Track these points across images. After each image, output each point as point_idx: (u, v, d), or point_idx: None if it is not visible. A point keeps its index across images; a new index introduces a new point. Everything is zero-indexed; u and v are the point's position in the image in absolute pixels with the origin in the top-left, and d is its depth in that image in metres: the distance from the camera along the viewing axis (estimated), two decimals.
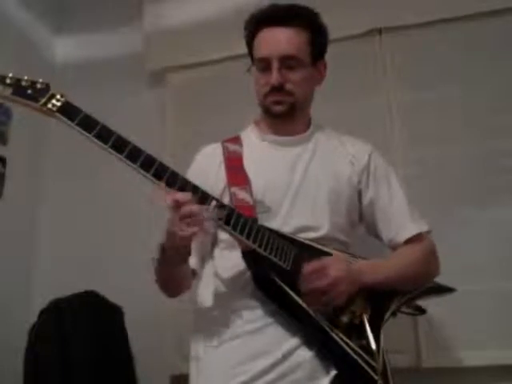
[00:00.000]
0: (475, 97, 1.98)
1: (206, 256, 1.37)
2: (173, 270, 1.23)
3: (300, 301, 1.17)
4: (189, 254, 1.17)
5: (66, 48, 2.60)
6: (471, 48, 2.02)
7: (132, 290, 2.02)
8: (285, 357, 1.18)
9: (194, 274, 1.33)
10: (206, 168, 1.36)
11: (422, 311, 1.40)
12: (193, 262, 1.30)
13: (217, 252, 1.36)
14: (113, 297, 1.95)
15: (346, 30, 2.07)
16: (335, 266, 1.19)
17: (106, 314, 1.91)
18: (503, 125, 1.93)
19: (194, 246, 1.29)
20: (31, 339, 1.73)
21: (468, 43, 2.02)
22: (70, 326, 1.76)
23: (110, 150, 1.11)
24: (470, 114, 1.97)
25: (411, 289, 1.33)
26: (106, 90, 2.24)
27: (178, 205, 1.07)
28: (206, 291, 1.32)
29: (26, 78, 1.13)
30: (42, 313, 1.79)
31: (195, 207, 1.07)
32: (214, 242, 1.37)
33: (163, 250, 1.16)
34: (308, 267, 1.18)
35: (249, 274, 1.22)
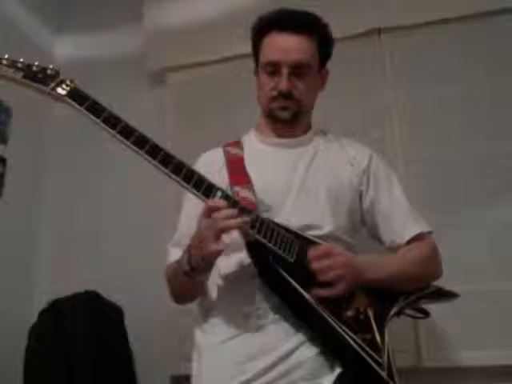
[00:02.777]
0: (475, 97, 1.98)
1: None
2: (194, 282, 1.25)
3: (304, 292, 1.17)
4: (213, 265, 1.19)
5: (65, 48, 2.61)
6: (471, 48, 2.02)
7: (132, 290, 2.03)
8: (287, 355, 1.18)
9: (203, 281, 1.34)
10: (208, 171, 1.35)
11: (425, 314, 1.39)
12: None
13: None
14: (113, 297, 1.95)
15: (345, 30, 2.07)
16: (338, 250, 1.21)
17: (106, 314, 1.91)
18: (503, 125, 1.93)
19: None
20: (31, 339, 1.73)
21: (468, 43, 2.02)
22: (70, 326, 1.76)
23: (117, 135, 1.12)
24: (469, 114, 1.97)
25: (414, 288, 1.33)
26: (106, 89, 2.21)
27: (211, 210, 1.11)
28: (208, 289, 1.33)
29: (36, 63, 1.15)
30: (42, 313, 1.79)
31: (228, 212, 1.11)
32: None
33: (189, 262, 1.18)
34: (312, 252, 1.19)
35: (252, 270, 1.22)
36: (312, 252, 1.19)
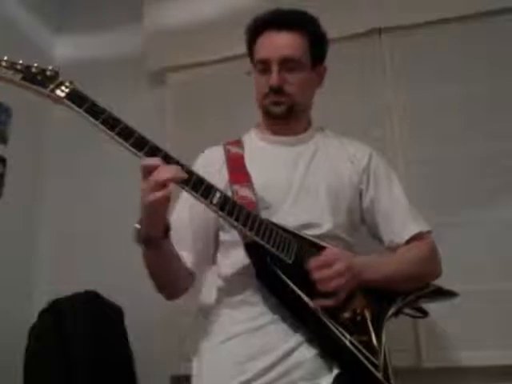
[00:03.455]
0: (475, 97, 1.98)
1: (208, 259, 1.37)
2: (162, 259, 1.21)
3: (301, 294, 1.17)
4: (167, 227, 1.16)
5: (65, 48, 2.61)
6: (471, 48, 2.02)
7: (132, 290, 2.02)
8: (286, 355, 1.18)
9: (192, 275, 1.32)
10: (208, 169, 1.35)
11: (424, 313, 1.40)
12: (188, 260, 1.29)
13: (219, 254, 1.37)
14: (113, 297, 1.95)
15: (346, 30, 2.07)
16: (338, 262, 1.20)
17: (106, 314, 1.91)
18: (503, 125, 1.93)
19: (189, 245, 1.29)
20: (31, 339, 1.73)
21: (468, 43, 2.02)
22: (70, 326, 1.76)
23: (116, 137, 1.11)
24: (469, 114, 1.97)
25: (412, 288, 1.33)
26: (106, 90, 2.22)
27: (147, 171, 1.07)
28: (208, 289, 1.33)
29: (35, 64, 1.15)
30: (42, 313, 1.79)
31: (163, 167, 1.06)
32: (216, 246, 1.37)
33: (143, 236, 1.15)
34: (312, 262, 1.18)
35: (250, 270, 1.22)
36: (312, 262, 1.18)
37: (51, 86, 1.13)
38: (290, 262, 1.20)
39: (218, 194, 1.15)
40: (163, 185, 1.06)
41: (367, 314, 1.22)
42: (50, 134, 2.47)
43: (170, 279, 1.29)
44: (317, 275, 1.17)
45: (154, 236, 1.15)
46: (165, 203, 1.09)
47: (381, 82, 2.09)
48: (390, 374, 1.18)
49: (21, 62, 1.14)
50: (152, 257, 1.20)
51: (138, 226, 1.15)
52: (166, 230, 1.16)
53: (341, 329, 1.17)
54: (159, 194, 1.06)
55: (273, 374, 1.17)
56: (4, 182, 2.20)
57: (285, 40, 1.35)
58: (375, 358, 1.17)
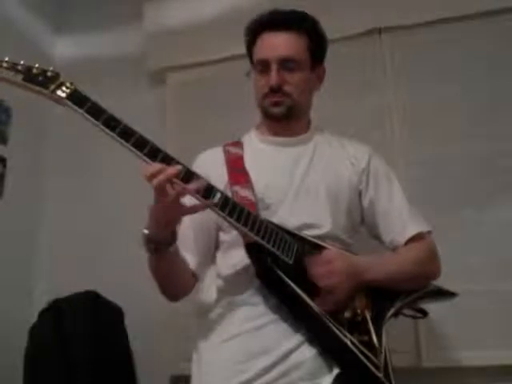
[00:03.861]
0: (475, 97, 1.98)
1: (208, 260, 1.37)
2: (168, 263, 1.22)
3: (302, 294, 1.18)
4: (175, 236, 1.17)
5: (65, 48, 2.61)
6: (471, 48, 2.01)
7: (132, 290, 2.02)
8: (286, 355, 1.18)
9: (195, 277, 1.32)
10: (207, 170, 1.34)
11: (424, 314, 1.39)
12: (192, 262, 1.30)
13: (219, 254, 1.37)
14: (113, 297, 1.95)
15: (346, 30, 2.07)
16: (337, 260, 1.21)
17: (106, 314, 1.91)
18: (503, 125, 1.93)
19: (192, 246, 1.30)
20: (31, 339, 1.73)
21: (468, 43, 2.02)
22: (70, 326, 1.76)
23: (117, 137, 1.11)
24: (470, 114, 1.97)
25: (412, 288, 1.33)
26: (106, 90, 2.23)
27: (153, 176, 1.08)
28: (208, 289, 1.33)
29: (36, 65, 1.15)
30: (42, 313, 1.80)
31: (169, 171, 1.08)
32: (216, 246, 1.38)
33: (149, 240, 1.16)
34: (312, 259, 1.19)
35: (250, 270, 1.23)
36: (312, 258, 1.19)
37: (52, 87, 1.13)
38: (291, 262, 1.20)
39: (218, 195, 1.15)
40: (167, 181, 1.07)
41: (368, 314, 1.22)
42: (51, 134, 2.47)
43: (174, 281, 1.29)
44: (316, 271, 1.18)
45: (161, 241, 1.16)
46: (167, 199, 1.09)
47: (381, 82, 2.09)
48: (391, 373, 1.19)
49: (22, 62, 1.14)
50: (158, 261, 1.21)
51: (145, 231, 1.16)
52: (174, 234, 1.17)
53: (341, 328, 1.17)
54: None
55: (273, 374, 1.17)
56: (4, 182, 2.20)
57: (283, 40, 1.36)
58: (376, 357, 1.17)
